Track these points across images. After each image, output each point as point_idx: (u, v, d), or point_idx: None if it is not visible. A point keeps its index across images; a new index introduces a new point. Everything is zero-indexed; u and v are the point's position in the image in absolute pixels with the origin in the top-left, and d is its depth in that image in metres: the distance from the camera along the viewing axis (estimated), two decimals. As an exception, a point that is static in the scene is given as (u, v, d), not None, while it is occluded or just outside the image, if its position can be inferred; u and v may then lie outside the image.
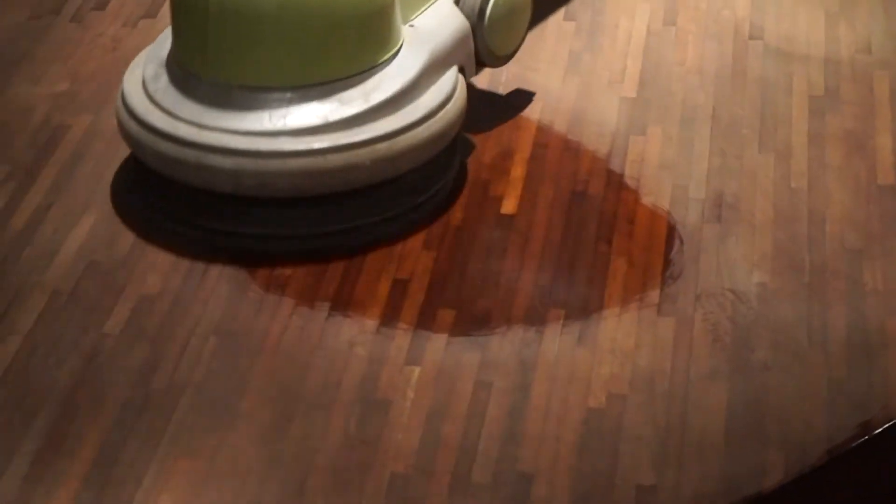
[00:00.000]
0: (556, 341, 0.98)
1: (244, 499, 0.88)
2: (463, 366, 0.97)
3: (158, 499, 0.88)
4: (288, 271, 1.05)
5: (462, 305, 1.02)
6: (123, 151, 1.17)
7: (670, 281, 1.03)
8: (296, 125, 1.05)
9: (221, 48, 1.07)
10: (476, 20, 1.14)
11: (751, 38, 1.28)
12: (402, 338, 0.99)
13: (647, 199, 1.11)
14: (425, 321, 1.01)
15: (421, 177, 1.10)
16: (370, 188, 1.07)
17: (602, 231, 1.08)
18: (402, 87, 1.08)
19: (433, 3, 1.14)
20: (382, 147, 1.06)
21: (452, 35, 1.13)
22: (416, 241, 1.08)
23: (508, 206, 1.11)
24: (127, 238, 1.08)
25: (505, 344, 0.99)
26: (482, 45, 1.16)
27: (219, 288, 1.03)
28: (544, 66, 1.26)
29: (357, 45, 1.07)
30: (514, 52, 1.19)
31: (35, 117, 1.21)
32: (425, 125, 1.08)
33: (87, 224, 1.10)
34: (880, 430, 0.91)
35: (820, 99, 1.20)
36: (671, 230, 1.08)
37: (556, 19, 1.32)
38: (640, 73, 1.24)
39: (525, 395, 0.95)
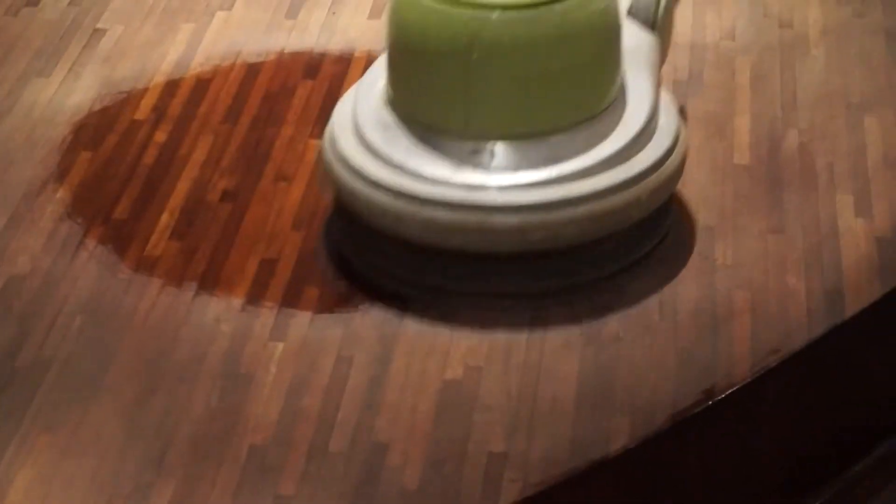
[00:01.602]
0: (417, 319, 1.01)
1: (104, 471, 0.89)
2: (325, 341, 0.99)
3: (17, 473, 0.89)
4: (157, 252, 1.07)
5: (327, 284, 1.05)
6: (0, 137, 1.18)
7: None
8: (572, 169, 0.99)
9: (487, 104, 0.99)
10: (651, 28, 1.10)
11: (620, 24, 1.31)
12: (266, 315, 1.01)
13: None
14: (290, 299, 1.03)
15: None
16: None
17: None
18: (650, 113, 1.03)
19: None
20: (653, 179, 1.01)
21: (653, 48, 1.09)
22: (285, 222, 1.10)
23: None
24: (-1, 221, 1.10)
25: (367, 320, 1.01)
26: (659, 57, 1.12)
27: (88, 268, 1.05)
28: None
29: (609, 77, 1.03)
30: (666, 55, 1.14)
31: (-86, 104, 1.23)
32: (678, 147, 1.04)
33: (-39, 208, 1.12)
34: (723, 395, 0.95)
35: (683, 83, 1.23)
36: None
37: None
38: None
39: (384, 368, 0.97)
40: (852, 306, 1.01)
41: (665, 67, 1.22)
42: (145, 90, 1.23)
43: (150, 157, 1.15)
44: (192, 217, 1.09)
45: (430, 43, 1.00)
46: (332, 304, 1.02)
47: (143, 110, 1.20)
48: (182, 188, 1.12)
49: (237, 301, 1.02)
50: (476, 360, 0.97)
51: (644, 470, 0.92)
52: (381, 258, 1.03)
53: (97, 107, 1.21)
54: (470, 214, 0.98)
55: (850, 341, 1.02)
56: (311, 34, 1.30)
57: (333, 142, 1.03)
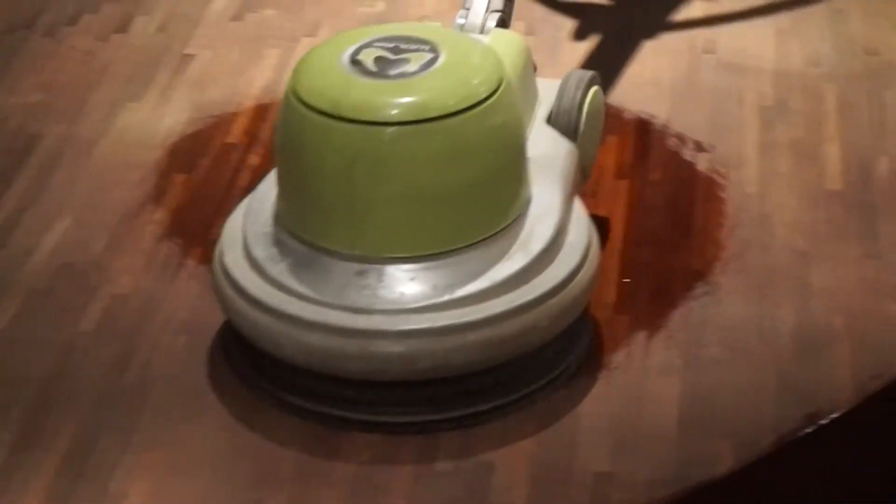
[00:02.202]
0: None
1: (215, 487, 0.91)
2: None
3: (130, 489, 0.91)
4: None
5: None
6: (96, 160, 1.20)
7: (626, 281, 1.07)
8: (465, 293, 0.92)
9: (377, 219, 0.93)
10: (572, 138, 1.03)
11: (704, 52, 1.32)
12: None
13: (603, 205, 1.15)
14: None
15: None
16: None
17: (560, 234, 1.12)
18: (554, 231, 0.96)
19: (530, 126, 1.02)
20: (554, 302, 0.94)
21: (568, 159, 1.01)
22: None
23: None
24: (99, 241, 1.11)
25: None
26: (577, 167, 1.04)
27: (189, 287, 1.06)
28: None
29: (507, 195, 0.95)
30: (593, 163, 1.08)
31: (10, 126, 1.23)
32: (587, 265, 0.97)
33: (61, 228, 1.12)
34: (826, 420, 0.95)
35: (770, 109, 1.24)
36: (628, 234, 1.11)
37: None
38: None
39: (486, 389, 0.99)
40: (952, 331, 1.03)
41: (751, 95, 1.24)
42: (236, 115, 1.25)
43: (243, 179, 1.17)
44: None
45: (313, 158, 0.93)
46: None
47: (235, 134, 1.22)
48: (277, 210, 1.15)
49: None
50: (577, 381, 0.98)
51: (748, 493, 0.93)
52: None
53: (189, 130, 1.23)
54: (351, 340, 0.91)
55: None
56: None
57: (221, 256, 0.97)
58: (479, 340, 0.92)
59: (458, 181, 0.93)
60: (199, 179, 1.17)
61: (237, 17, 1.36)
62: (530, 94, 1.03)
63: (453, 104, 0.92)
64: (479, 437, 0.94)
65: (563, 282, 0.94)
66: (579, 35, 1.33)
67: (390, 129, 0.91)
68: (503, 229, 0.94)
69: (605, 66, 1.27)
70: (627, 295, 1.05)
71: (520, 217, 0.96)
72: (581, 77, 1.05)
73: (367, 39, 0.96)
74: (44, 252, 1.09)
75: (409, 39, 0.96)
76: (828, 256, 1.08)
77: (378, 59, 0.94)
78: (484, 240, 0.94)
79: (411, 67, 0.93)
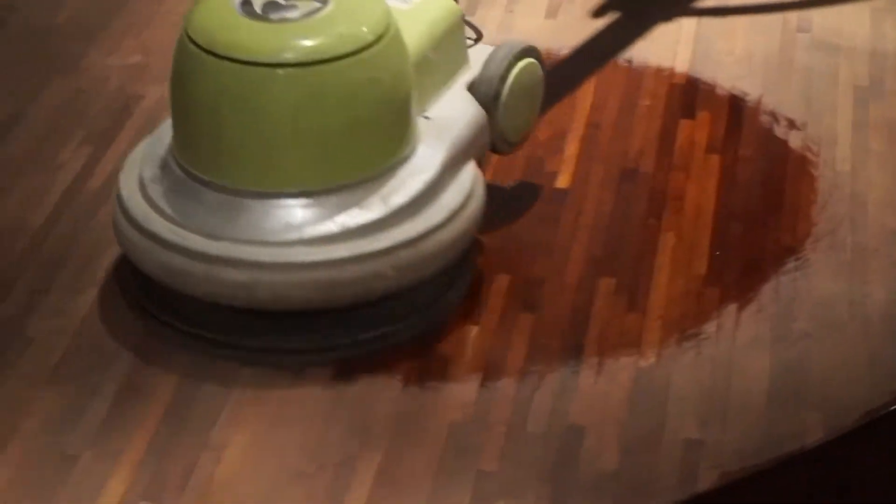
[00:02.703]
0: (607, 307, 1.04)
1: (311, 440, 0.93)
2: (518, 327, 1.03)
3: (231, 439, 0.93)
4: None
5: (517, 271, 1.08)
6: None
7: (717, 254, 1.08)
8: (312, 234, 0.96)
9: (232, 153, 0.98)
10: (491, 106, 1.06)
11: (798, 30, 1.32)
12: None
13: (694, 179, 1.16)
14: (480, 285, 1.06)
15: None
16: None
17: (652, 207, 1.13)
18: (422, 187, 0.99)
19: (447, 90, 1.05)
20: (404, 254, 0.97)
21: (470, 126, 1.04)
22: (473, 211, 1.13)
23: (562, 181, 1.16)
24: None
25: (558, 307, 1.04)
26: (496, 132, 1.07)
27: None
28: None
29: (377, 144, 0.99)
30: (526, 137, 1.11)
31: (109, 87, 1.26)
32: (449, 226, 0.99)
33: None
34: (916, 396, 0.97)
35: (864, 89, 1.25)
36: (719, 208, 1.13)
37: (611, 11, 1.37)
38: (691, 61, 1.29)
39: (578, 355, 1.00)
40: None
41: (845, 73, 1.25)
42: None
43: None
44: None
45: (191, 90, 0.99)
46: (522, 291, 1.05)
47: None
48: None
49: (431, 285, 1.07)
50: (668, 351, 1.00)
51: (836, 465, 0.95)
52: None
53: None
54: (200, 264, 0.96)
55: None
56: (489, 33, 1.33)
57: (118, 189, 1.02)
58: (315, 280, 0.96)
59: (321, 126, 0.96)
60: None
61: None
62: (453, 58, 1.06)
63: (318, 50, 0.96)
64: (571, 402, 0.96)
65: (416, 237, 0.97)
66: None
67: (257, 69, 0.96)
68: (367, 179, 0.98)
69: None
70: (718, 268, 1.07)
71: (391, 169, 0.99)
72: (512, 48, 1.08)
73: None
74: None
75: None
76: (921, 235, 1.10)
77: (267, 4, 0.98)
78: (346, 186, 0.97)
79: (294, 14, 0.98)
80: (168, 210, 0.98)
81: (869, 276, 1.06)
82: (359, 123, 0.98)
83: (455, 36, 1.06)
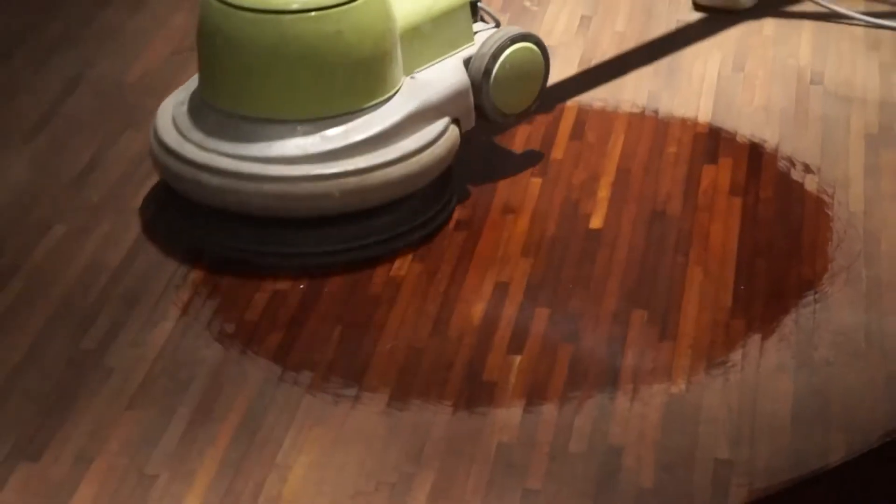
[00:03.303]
0: (640, 336, 1.05)
1: (370, 461, 0.94)
2: (558, 357, 1.04)
3: (295, 460, 0.94)
4: (402, 272, 1.12)
5: (556, 305, 1.09)
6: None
7: (742, 288, 1.09)
8: (277, 154, 1.08)
9: (226, 79, 1.11)
10: (481, 79, 1.15)
11: (812, 82, 1.33)
12: (504, 330, 1.06)
13: (719, 219, 1.17)
14: (524, 317, 1.07)
15: (411, 208, 1.13)
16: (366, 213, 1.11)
17: (680, 245, 1.14)
18: (381, 130, 1.10)
19: (441, 59, 1.16)
20: (352, 181, 1.08)
21: (448, 89, 1.14)
22: (514, 249, 1.14)
23: (596, 222, 1.17)
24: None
25: (595, 338, 1.05)
26: (487, 102, 1.16)
27: (343, 284, 1.10)
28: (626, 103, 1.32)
29: (346, 88, 1.10)
30: (525, 112, 1.20)
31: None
32: (398, 166, 1.10)
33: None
34: (931, 418, 0.97)
35: (875, 136, 1.26)
36: (742, 246, 1.14)
37: (638, 63, 1.38)
38: (713, 111, 1.30)
39: (614, 380, 1.01)
40: None
41: (857, 122, 1.26)
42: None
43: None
44: (431, 243, 1.14)
45: (215, 36, 1.11)
46: (562, 323, 1.06)
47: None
48: (421, 217, 1.19)
49: (477, 317, 1.06)
50: (697, 378, 1.01)
51: (859, 482, 0.95)
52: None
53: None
54: (214, 176, 1.09)
55: None
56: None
57: (154, 124, 1.15)
58: (272, 191, 1.08)
59: (310, 64, 1.08)
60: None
61: None
62: (454, 35, 1.16)
63: (311, 2, 1.08)
64: (609, 424, 0.97)
65: (364, 169, 1.09)
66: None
67: (266, 17, 1.08)
68: (337, 116, 1.09)
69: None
70: (743, 301, 1.07)
71: (360, 111, 1.10)
72: (509, 32, 1.17)
73: None
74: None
75: None
76: (931, 270, 1.11)
77: None
78: (317, 119, 1.09)
79: None
80: (179, 125, 1.12)
81: (884, 307, 1.06)
82: (338, 66, 1.09)
83: (458, 16, 1.17)
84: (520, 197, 1.19)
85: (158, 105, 1.25)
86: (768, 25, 1.41)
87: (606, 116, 1.29)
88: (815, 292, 1.08)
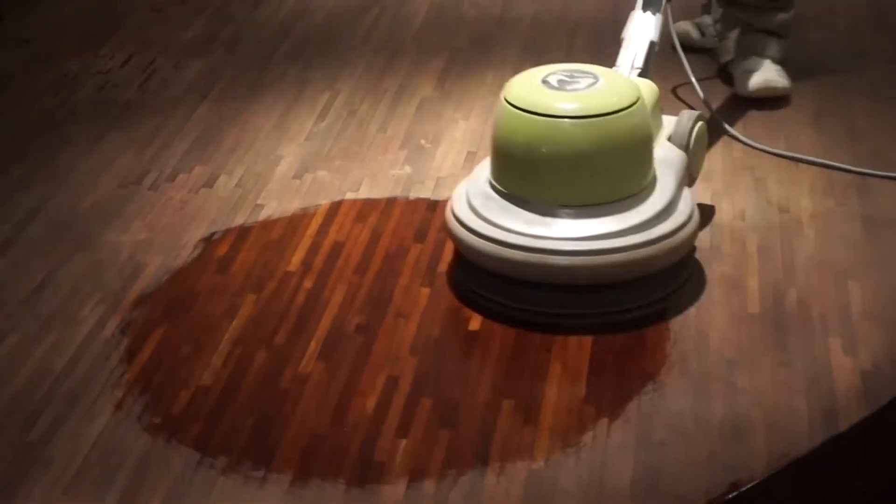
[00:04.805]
0: (507, 422, 1.05)
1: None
2: (438, 440, 1.03)
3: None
4: (308, 370, 1.11)
5: (438, 396, 1.08)
6: (189, 283, 1.23)
7: (593, 379, 1.10)
8: (607, 230, 1.13)
9: (551, 182, 1.15)
10: (684, 150, 1.24)
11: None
12: (393, 418, 1.05)
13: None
14: (410, 407, 1.07)
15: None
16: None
17: (544, 343, 1.14)
18: (669, 199, 1.16)
19: (658, 140, 1.23)
20: (662, 245, 1.14)
21: (679, 162, 1.22)
22: (404, 349, 1.14)
23: (474, 325, 1.17)
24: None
25: (470, 424, 1.05)
26: (686, 170, 1.24)
27: (257, 380, 1.08)
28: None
29: (634, 174, 1.16)
30: (699, 173, 1.29)
31: (121, 258, 1.27)
32: (689, 225, 1.17)
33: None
34: (746, 487, 0.98)
35: (706, 252, 1.27)
36: (594, 344, 1.15)
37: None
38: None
39: (485, 460, 1.01)
40: (844, 423, 1.04)
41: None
42: (295, 249, 1.28)
43: (300, 299, 1.20)
44: (334, 344, 1.14)
45: (517, 139, 1.14)
46: (443, 414, 1.06)
47: (294, 264, 1.25)
48: (325, 323, 1.17)
49: (370, 407, 1.06)
50: (554, 455, 1.01)
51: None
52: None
53: (260, 261, 1.26)
54: (533, 255, 1.12)
55: (844, 450, 1.04)
56: (420, 209, 1.35)
57: (452, 206, 1.19)
58: (610, 262, 1.12)
59: (609, 158, 1.14)
60: (266, 298, 1.20)
61: (297, 176, 1.39)
62: (657, 121, 1.24)
63: (605, 107, 1.15)
64: (480, 496, 0.96)
65: (671, 231, 1.15)
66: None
67: (568, 121, 1.14)
68: (635, 195, 1.15)
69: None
70: (594, 390, 1.08)
71: (646, 189, 1.17)
72: (692, 114, 1.27)
73: (553, 70, 1.19)
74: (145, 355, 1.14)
75: (579, 71, 1.18)
76: (749, 363, 1.11)
77: (559, 81, 1.18)
78: (623, 199, 1.15)
79: (579, 86, 1.17)
80: (502, 221, 1.15)
81: (710, 396, 1.07)
82: (631, 155, 1.16)
83: (657, 106, 1.25)
84: (411, 304, 1.20)
85: (106, 231, 1.24)
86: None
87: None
88: (655, 382, 1.09)
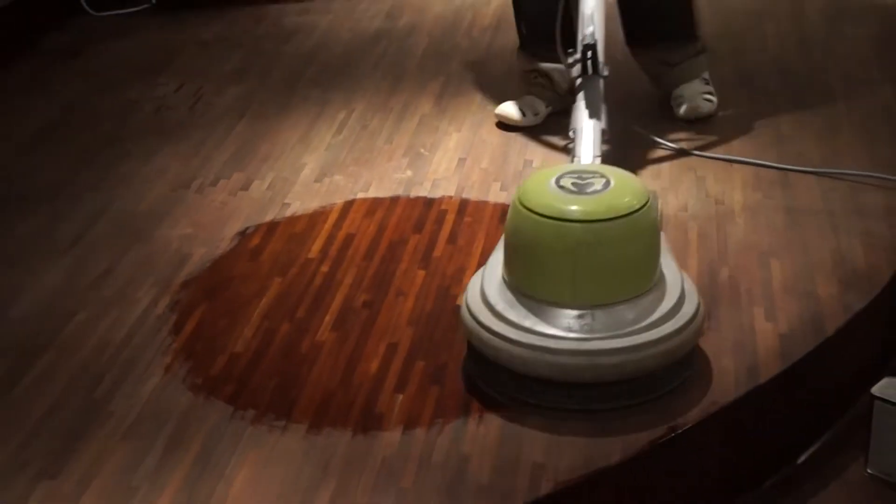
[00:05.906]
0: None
1: (291, 473, 0.94)
2: (429, 395, 1.02)
3: (240, 473, 0.93)
4: (323, 339, 1.10)
5: (429, 359, 1.07)
6: (225, 269, 1.23)
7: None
8: (638, 326, 0.98)
9: (551, 278, 0.98)
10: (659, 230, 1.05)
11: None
12: (391, 377, 1.04)
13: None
14: (406, 370, 1.06)
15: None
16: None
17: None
18: (681, 291, 1.02)
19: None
20: (679, 338, 0.99)
21: (665, 242, 1.05)
22: (402, 321, 1.13)
23: (461, 300, 1.11)
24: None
25: (455, 381, 1.03)
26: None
27: (280, 348, 1.09)
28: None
29: (643, 273, 1.01)
30: None
31: (171, 249, 1.28)
32: (694, 324, 1.02)
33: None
34: (682, 430, 0.97)
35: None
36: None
37: (498, 190, 1.40)
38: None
39: (467, 411, 1.00)
40: (764, 377, 1.04)
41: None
42: (314, 240, 1.28)
43: (318, 281, 1.21)
44: (344, 318, 1.14)
45: (537, 244, 0.99)
46: (433, 374, 1.07)
47: (314, 252, 1.26)
48: (338, 300, 1.17)
49: (373, 369, 1.07)
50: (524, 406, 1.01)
51: (630, 483, 0.96)
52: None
53: (285, 250, 1.27)
54: (575, 358, 0.97)
55: (764, 399, 1.04)
56: (418, 206, 1.35)
57: (468, 305, 1.03)
58: (648, 355, 0.97)
59: (632, 257, 0.99)
60: (289, 281, 1.21)
61: (318, 180, 1.40)
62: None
63: (625, 209, 0.99)
64: (462, 441, 0.96)
65: (691, 318, 1.00)
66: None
67: (570, 225, 0.98)
68: (636, 297, 0.99)
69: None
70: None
71: (659, 282, 1.01)
72: (654, 195, 1.06)
73: (562, 173, 1.02)
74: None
75: (588, 172, 1.02)
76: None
77: (573, 183, 1.01)
78: (644, 293, 0.99)
79: (592, 189, 1.00)
80: (529, 324, 0.98)
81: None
82: (636, 258, 0.99)
83: None
84: (409, 284, 1.20)
85: (159, 227, 1.25)
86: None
87: (472, 228, 1.30)
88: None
